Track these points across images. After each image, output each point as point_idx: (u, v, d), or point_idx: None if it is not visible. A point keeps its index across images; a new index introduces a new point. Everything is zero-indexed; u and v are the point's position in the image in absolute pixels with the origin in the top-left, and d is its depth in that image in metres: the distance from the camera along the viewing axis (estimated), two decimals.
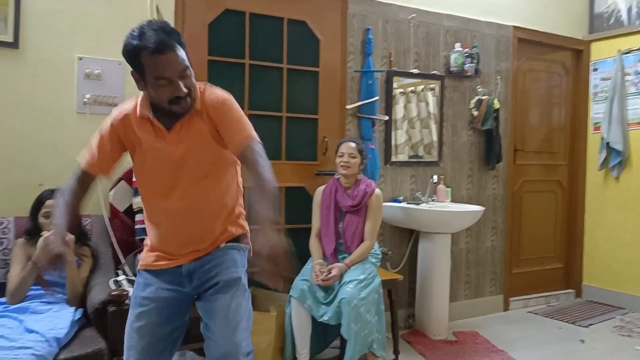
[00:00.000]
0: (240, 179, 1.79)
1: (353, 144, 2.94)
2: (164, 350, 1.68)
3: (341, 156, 2.92)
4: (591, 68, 4.54)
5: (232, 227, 1.74)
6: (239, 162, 1.71)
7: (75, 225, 1.93)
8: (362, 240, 2.88)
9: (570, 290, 4.62)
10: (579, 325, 3.85)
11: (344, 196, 2.92)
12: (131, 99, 1.67)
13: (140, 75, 1.52)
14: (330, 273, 2.72)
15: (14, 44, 2.51)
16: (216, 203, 1.69)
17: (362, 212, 2.90)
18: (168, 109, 1.55)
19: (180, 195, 1.63)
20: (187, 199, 1.64)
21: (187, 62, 1.54)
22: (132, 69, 1.54)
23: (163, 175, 1.63)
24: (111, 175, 1.74)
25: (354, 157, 2.91)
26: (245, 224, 1.81)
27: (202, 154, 1.62)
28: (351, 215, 2.90)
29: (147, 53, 1.46)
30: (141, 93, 1.61)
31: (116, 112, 1.66)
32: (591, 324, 3.87)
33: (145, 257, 1.74)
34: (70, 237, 2.18)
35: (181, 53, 1.51)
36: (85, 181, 1.67)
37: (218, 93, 1.65)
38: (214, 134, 1.62)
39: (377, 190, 2.93)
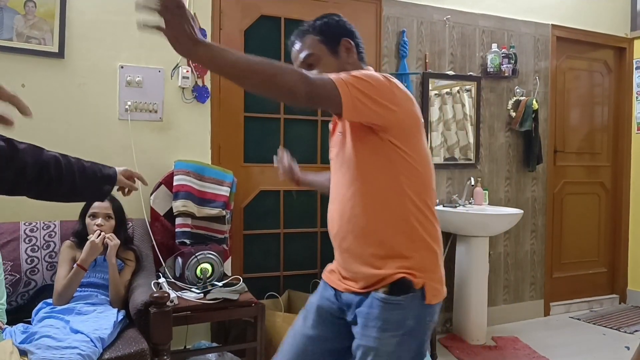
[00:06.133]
0: (414, 197, 1.35)
1: None
2: None
3: None
4: (634, 66, 4.40)
5: (384, 265, 1.34)
6: (405, 173, 1.34)
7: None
8: None
9: (614, 295, 4.47)
10: (624, 332, 3.72)
11: None
12: None
13: None
14: None
15: (60, 54, 2.61)
16: (356, 222, 1.38)
17: None
18: None
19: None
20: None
21: (311, 50, 1.45)
22: None
23: None
24: None
25: None
26: (417, 259, 1.34)
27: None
28: None
29: None
30: None
31: None
32: (636, 331, 3.74)
33: None
34: (116, 242, 2.27)
35: (307, 40, 1.46)
36: None
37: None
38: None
39: None
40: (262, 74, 1.13)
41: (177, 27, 1.02)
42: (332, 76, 1.22)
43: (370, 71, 1.37)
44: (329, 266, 1.55)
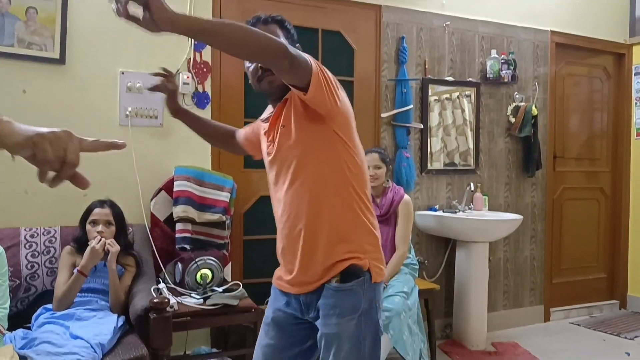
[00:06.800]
0: (359, 190, 1.45)
1: (376, 155, 2.88)
2: None
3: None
4: (633, 72, 4.42)
5: (331, 251, 1.42)
6: (348, 161, 1.43)
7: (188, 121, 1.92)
8: (394, 250, 2.83)
9: (614, 301, 4.47)
10: (624, 337, 3.72)
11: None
12: None
13: None
14: None
15: (61, 60, 2.61)
16: (311, 212, 1.44)
17: (392, 220, 2.87)
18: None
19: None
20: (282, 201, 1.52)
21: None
22: None
23: None
24: None
25: (379, 168, 2.87)
26: (360, 242, 1.44)
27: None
28: (380, 225, 2.87)
29: None
30: None
31: None
32: (637, 336, 3.74)
33: None
34: (117, 248, 2.27)
35: (271, 28, 1.46)
36: None
37: None
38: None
39: (406, 197, 2.90)
40: (250, 31, 1.22)
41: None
42: (304, 54, 1.29)
43: None
44: (277, 272, 1.61)
